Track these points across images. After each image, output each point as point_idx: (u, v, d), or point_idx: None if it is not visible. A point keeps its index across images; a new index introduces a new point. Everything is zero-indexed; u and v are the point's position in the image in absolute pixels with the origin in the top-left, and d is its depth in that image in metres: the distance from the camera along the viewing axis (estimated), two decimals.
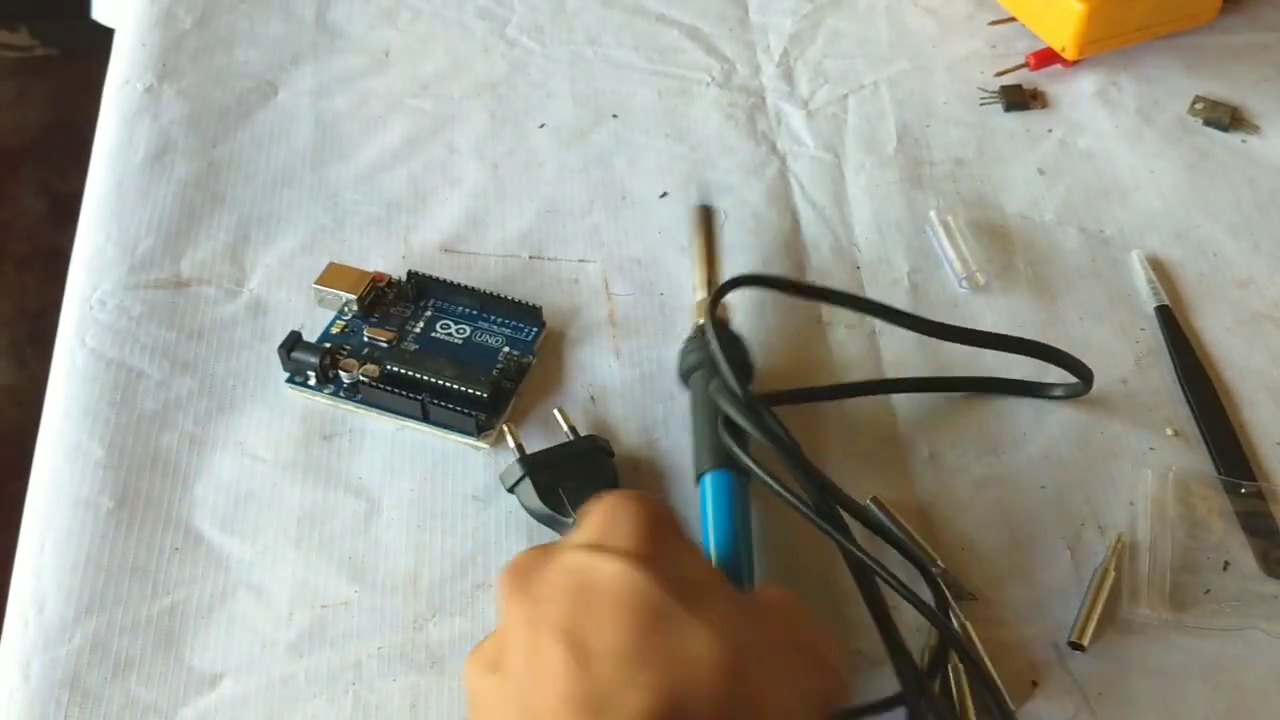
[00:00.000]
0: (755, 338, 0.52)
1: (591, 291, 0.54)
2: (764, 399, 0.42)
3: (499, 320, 0.52)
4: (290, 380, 0.50)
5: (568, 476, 0.44)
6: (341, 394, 0.50)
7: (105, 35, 0.70)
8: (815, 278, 0.55)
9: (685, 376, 0.47)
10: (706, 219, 0.51)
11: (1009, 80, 0.63)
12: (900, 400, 0.50)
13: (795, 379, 0.51)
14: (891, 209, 0.58)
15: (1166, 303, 0.53)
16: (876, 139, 0.61)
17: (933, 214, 0.57)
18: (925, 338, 0.52)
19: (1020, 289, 0.54)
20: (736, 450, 0.42)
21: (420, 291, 0.53)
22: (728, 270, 0.53)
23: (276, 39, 0.66)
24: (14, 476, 0.51)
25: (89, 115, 0.63)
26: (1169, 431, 0.49)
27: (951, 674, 0.41)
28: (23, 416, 0.55)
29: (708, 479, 0.43)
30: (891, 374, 0.51)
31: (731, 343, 0.46)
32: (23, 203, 1.33)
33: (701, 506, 0.42)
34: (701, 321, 0.46)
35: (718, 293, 0.45)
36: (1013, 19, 0.66)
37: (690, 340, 0.47)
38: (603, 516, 0.34)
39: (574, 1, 0.68)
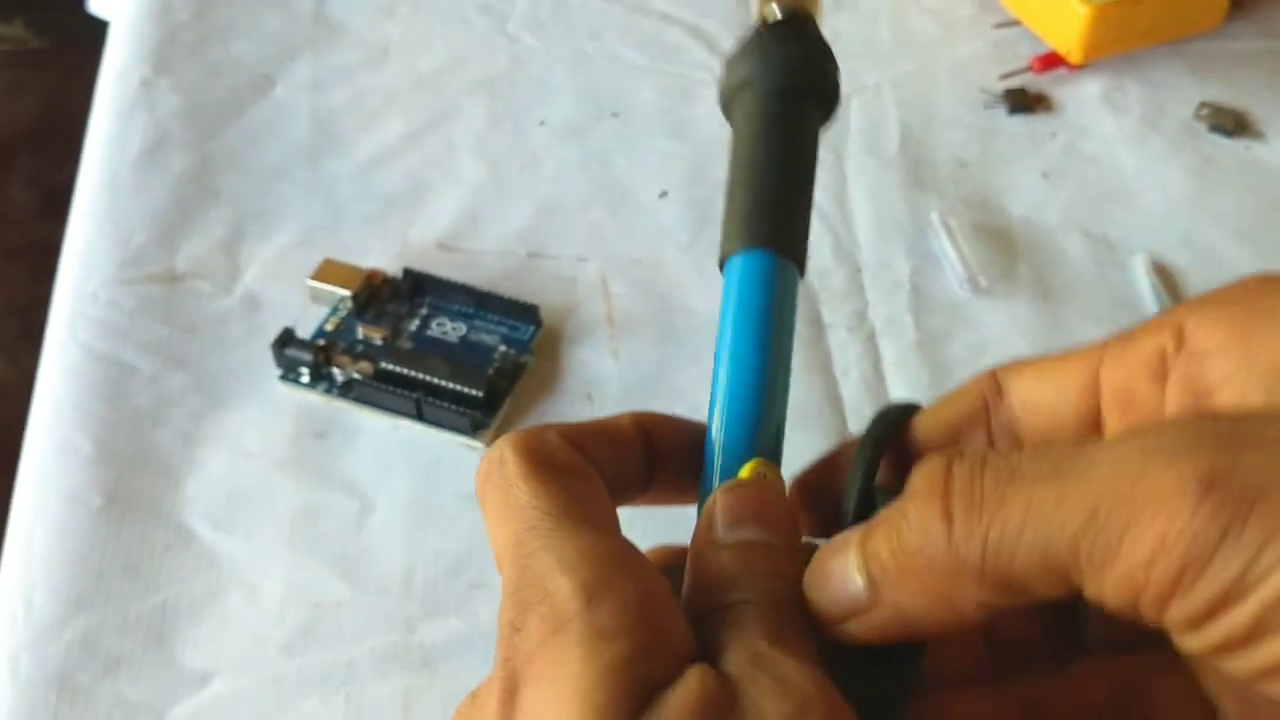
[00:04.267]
0: None
1: (590, 290, 0.53)
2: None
3: (495, 319, 0.51)
4: (284, 377, 0.50)
5: None
6: (335, 391, 0.49)
7: (100, 27, 0.70)
8: (815, 280, 0.54)
9: (728, 102, 0.29)
10: None
11: (1013, 83, 0.63)
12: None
13: (794, 379, 0.50)
14: (893, 211, 0.57)
15: (1169, 308, 0.53)
16: (879, 140, 0.61)
17: (935, 216, 0.56)
18: (926, 341, 0.51)
19: (1023, 293, 0.54)
20: None
21: (416, 289, 0.52)
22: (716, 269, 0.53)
23: (273, 32, 0.65)
24: (3, 472, 0.50)
25: (83, 108, 0.63)
26: None
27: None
28: (12, 411, 0.55)
29: (738, 264, 0.26)
30: (892, 378, 0.51)
31: None
32: (14, 195, 1.32)
33: (722, 311, 0.26)
34: (763, 18, 0.28)
35: None
36: (1017, 22, 0.65)
37: (747, 46, 0.29)
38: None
39: None
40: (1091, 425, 0.23)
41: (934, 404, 0.25)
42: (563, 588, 0.19)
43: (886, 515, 0.20)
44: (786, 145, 0.26)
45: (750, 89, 0.27)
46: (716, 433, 0.24)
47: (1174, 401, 0.21)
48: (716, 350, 0.25)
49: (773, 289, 0.25)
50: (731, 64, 0.28)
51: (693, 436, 0.25)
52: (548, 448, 0.22)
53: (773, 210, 0.25)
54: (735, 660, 0.19)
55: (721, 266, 0.26)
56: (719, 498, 0.23)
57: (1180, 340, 0.21)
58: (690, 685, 0.18)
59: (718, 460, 0.24)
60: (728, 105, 0.28)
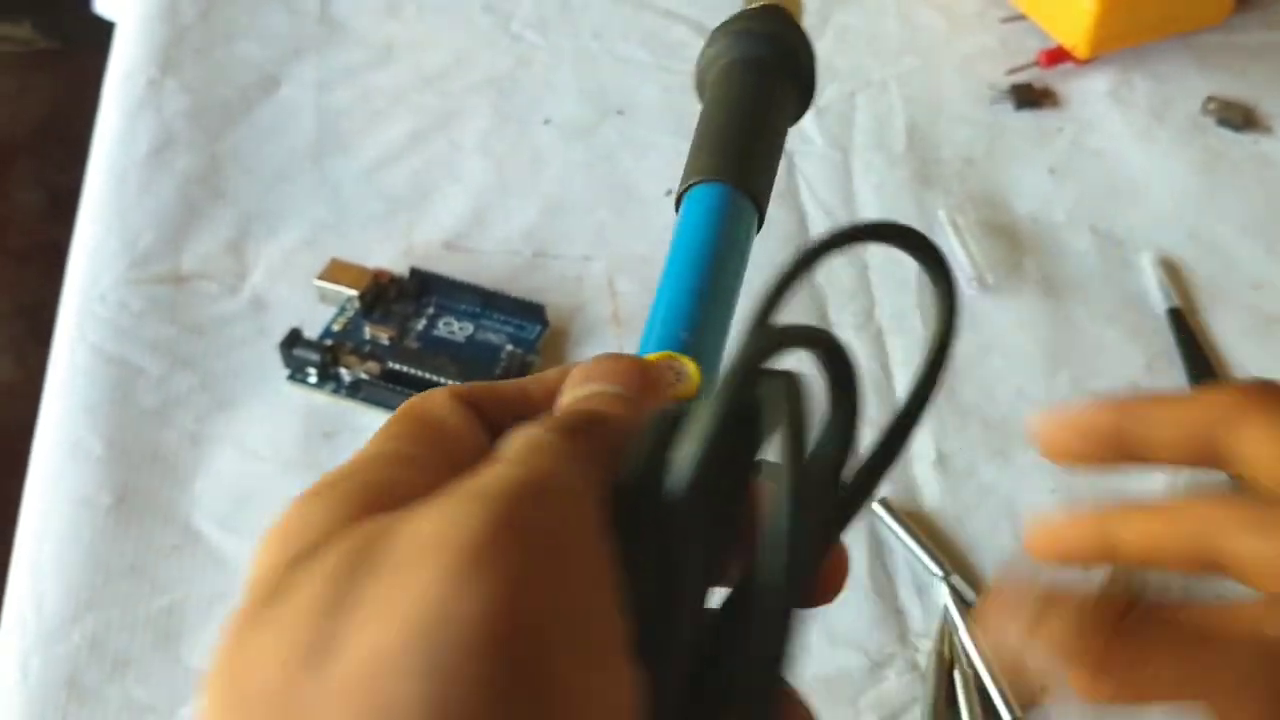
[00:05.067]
0: None
1: (596, 290, 0.53)
2: None
3: (502, 318, 0.51)
4: (291, 377, 0.50)
5: None
6: (343, 391, 0.49)
7: (107, 29, 0.70)
8: (821, 276, 0.54)
9: (702, 79, 0.29)
10: None
11: (1020, 78, 0.62)
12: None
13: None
14: (900, 208, 0.57)
15: (1178, 305, 0.53)
16: (885, 137, 0.60)
17: (941, 213, 0.56)
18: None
19: (1029, 290, 0.54)
20: None
21: (423, 288, 0.52)
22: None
23: (279, 32, 0.65)
24: (12, 473, 0.50)
25: (90, 109, 0.63)
26: None
27: (959, 679, 0.40)
28: (21, 413, 0.55)
29: (689, 197, 0.27)
30: (899, 374, 0.50)
31: None
32: (22, 197, 1.32)
33: (675, 240, 0.26)
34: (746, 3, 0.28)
35: None
36: (1023, 16, 0.65)
37: (724, 25, 0.30)
38: None
39: None
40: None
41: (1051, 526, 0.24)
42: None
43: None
44: (752, 98, 0.27)
45: (723, 60, 0.28)
46: (651, 328, 0.24)
47: None
48: (669, 261, 0.26)
49: (717, 211, 0.26)
50: (708, 43, 0.29)
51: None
52: (429, 399, 0.21)
53: (725, 150, 0.26)
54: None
55: (678, 208, 0.26)
56: (580, 365, 0.21)
57: None
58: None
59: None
60: (701, 81, 0.29)
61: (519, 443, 0.18)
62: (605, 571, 0.16)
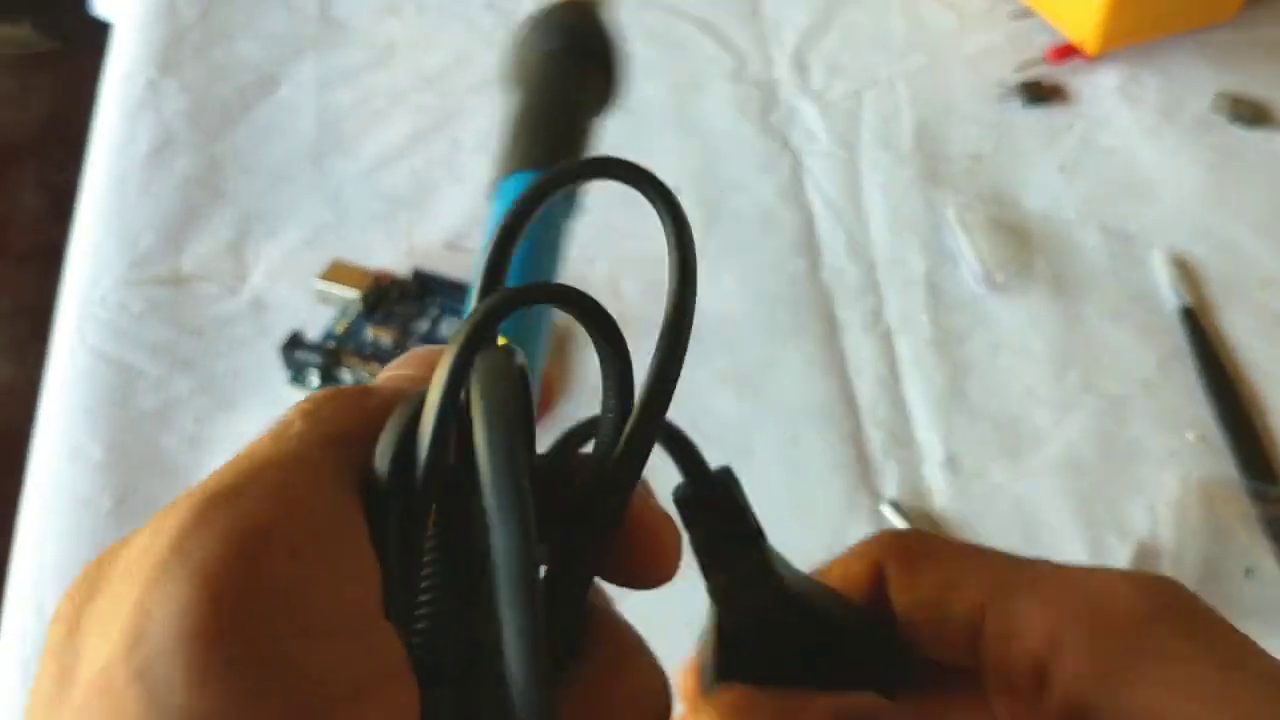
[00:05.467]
0: (763, 338, 0.51)
1: (599, 291, 0.53)
2: None
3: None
4: (293, 380, 0.49)
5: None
6: None
7: (106, 29, 0.69)
8: (828, 276, 0.54)
9: (506, 74, 0.29)
10: None
11: (1028, 75, 0.62)
12: (917, 402, 0.49)
13: (808, 379, 0.50)
14: (908, 206, 0.56)
15: (1189, 303, 0.52)
16: (892, 135, 0.60)
17: (950, 212, 0.56)
18: (942, 339, 0.50)
19: (1040, 288, 0.53)
20: None
21: (425, 289, 0.52)
22: (727, 268, 0.53)
23: (279, 32, 0.65)
24: (12, 475, 0.50)
25: (90, 110, 0.62)
26: (1191, 436, 0.48)
27: None
28: (21, 415, 0.54)
29: (499, 192, 0.27)
30: (908, 377, 0.50)
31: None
32: (23, 198, 1.32)
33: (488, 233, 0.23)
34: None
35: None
36: (1032, 13, 0.64)
37: (525, 23, 0.29)
38: None
39: None
40: (958, 653, 0.21)
41: (835, 562, 0.23)
42: None
43: None
44: (550, 88, 0.27)
45: (522, 55, 0.29)
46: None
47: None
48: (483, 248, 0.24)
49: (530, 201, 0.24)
50: (512, 42, 0.29)
51: None
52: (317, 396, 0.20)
53: (530, 139, 0.27)
54: None
55: (492, 190, 0.27)
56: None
57: (1054, 650, 0.19)
58: None
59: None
60: (505, 79, 0.29)
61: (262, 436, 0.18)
62: (334, 540, 0.16)
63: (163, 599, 0.15)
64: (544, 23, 0.29)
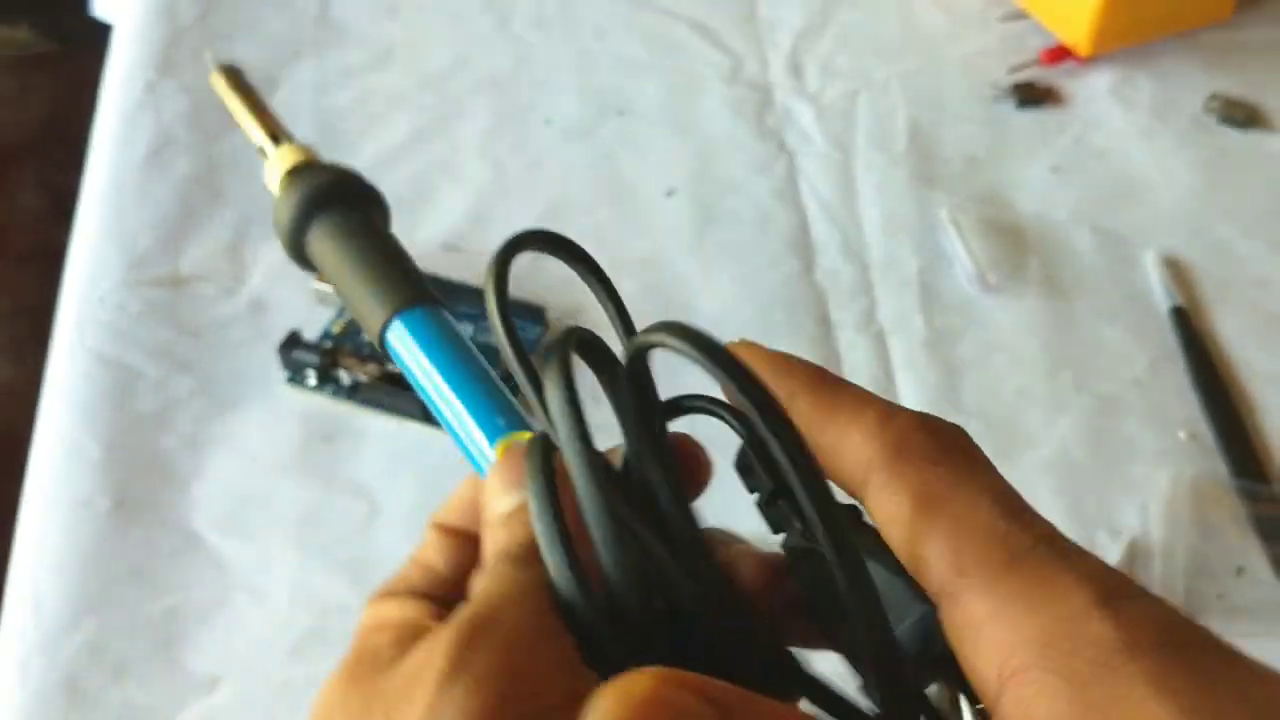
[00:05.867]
0: (758, 338, 0.52)
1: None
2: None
3: None
4: (290, 380, 0.49)
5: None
6: (342, 394, 0.49)
7: (106, 31, 0.69)
8: (823, 277, 0.54)
9: (298, 251, 0.30)
10: (234, 80, 0.35)
11: (1022, 77, 0.62)
12: (910, 401, 0.49)
13: None
14: (902, 207, 0.57)
15: (1181, 304, 0.52)
16: (887, 136, 0.60)
17: (944, 213, 0.56)
18: (935, 340, 0.51)
19: (1032, 289, 0.53)
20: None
21: None
22: (723, 268, 0.53)
23: (277, 33, 0.65)
24: (11, 476, 0.50)
25: (90, 111, 0.63)
26: (1183, 434, 0.48)
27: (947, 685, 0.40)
28: (21, 415, 0.55)
29: (400, 326, 0.28)
30: (902, 377, 0.50)
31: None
32: (22, 199, 1.32)
33: (412, 377, 0.27)
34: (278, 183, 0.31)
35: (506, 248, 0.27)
36: (1026, 15, 0.65)
37: (279, 206, 0.31)
38: None
39: None
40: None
41: (832, 417, 0.23)
42: None
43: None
44: (349, 242, 0.29)
45: (306, 236, 0.30)
46: (469, 441, 0.26)
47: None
48: (428, 401, 0.27)
49: (417, 334, 0.28)
50: (279, 224, 0.30)
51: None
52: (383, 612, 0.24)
53: (373, 288, 0.28)
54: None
55: (381, 343, 0.28)
56: (489, 475, 0.24)
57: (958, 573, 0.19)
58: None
59: (482, 462, 0.26)
60: (300, 257, 0.30)
61: (481, 580, 0.21)
62: (554, 661, 0.20)
63: (445, 711, 0.18)
64: (291, 201, 0.30)
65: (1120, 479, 0.47)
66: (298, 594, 0.44)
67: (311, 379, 0.49)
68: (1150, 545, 0.45)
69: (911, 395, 0.50)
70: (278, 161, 0.31)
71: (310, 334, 0.50)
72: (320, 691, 0.22)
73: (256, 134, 0.32)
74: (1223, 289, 0.54)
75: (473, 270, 0.54)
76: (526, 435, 0.25)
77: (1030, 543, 0.19)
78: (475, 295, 0.52)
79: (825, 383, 0.22)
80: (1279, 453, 0.48)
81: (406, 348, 0.28)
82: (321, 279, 0.31)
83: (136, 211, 0.56)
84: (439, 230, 0.56)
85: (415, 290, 0.28)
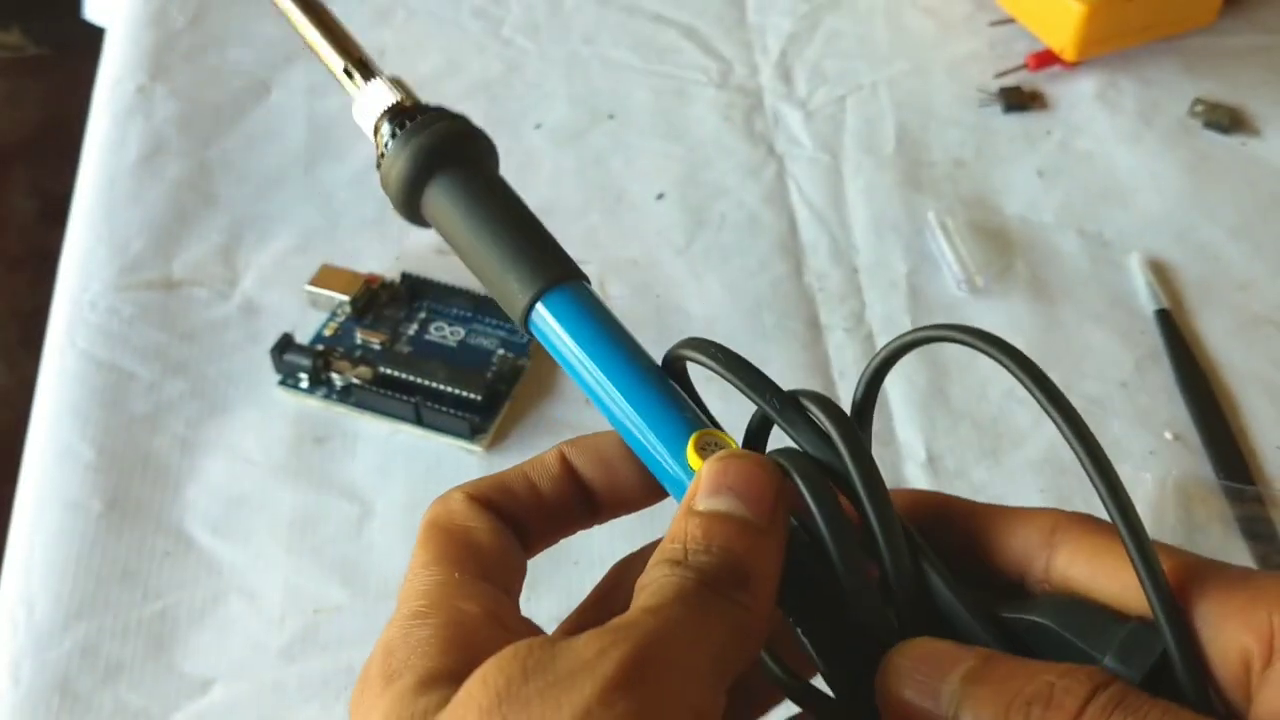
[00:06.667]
0: (748, 341, 0.52)
1: None
2: None
3: (493, 322, 0.52)
4: (282, 383, 0.50)
5: None
6: (334, 397, 0.49)
7: (98, 34, 0.70)
8: (813, 279, 0.54)
9: (416, 185, 0.27)
10: None
11: (1008, 81, 0.63)
12: (898, 401, 0.50)
13: (792, 380, 0.50)
14: (890, 210, 0.57)
15: (1166, 306, 0.53)
16: (875, 140, 0.61)
17: (931, 216, 0.56)
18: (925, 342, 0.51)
19: (1019, 291, 0.54)
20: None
21: (414, 293, 0.53)
22: (712, 271, 0.53)
23: (269, 38, 0.65)
24: (4, 479, 0.50)
25: (82, 115, 0.63)
26: (1168, 435, 0.49)
27: None
28: (13, 419, 0.55)
29: (539, 312, 0.25)
30: (890, 378, 0.51)
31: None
32: (14, 203, 1.32)
33: (559, 356, 0.26)
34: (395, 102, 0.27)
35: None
36: (1012, 20, 0.65)
37: (420, 123, 0.27)
38: None
39: (570, 1, 0.68)
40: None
41: (1001, 510, 0.24)
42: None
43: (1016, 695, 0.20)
44: (484, 203, 0.26)
45: (418, 185, 0.26)
46: (643, 436, 0.24)
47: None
48: (584, 385, 0.25)
49: (584, 307, 0.25)
50: (389, 180, 0.27)
51: (623, 448, 0.25)
52: (449, 507, 0.24)
53: (530, 252, 0.26)
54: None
55: (526, 325, 0.26)
56: (707, 465, 0.23)
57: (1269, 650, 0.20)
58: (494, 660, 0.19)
59: (664, 462, 0.24)
60: (410, 212, 0.27)
61: (662, 585, 0.21)
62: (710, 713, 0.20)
63: (607, 713, 0.18)
64: (416, 161, 0.26)
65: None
66: (290, 596, 0.44)
67: (304, 382, 0.49)
68: None
69: (900, 397, 0.50)
70: (374, 99, 0.27)
71: (302, 337, 0.50)
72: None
73: (337, 62, 0.29)
74: (1207, 291, 0.54)
75: (464, 273, 0.54)
76: (720, 435, 0.24)
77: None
78: (466, 297, 0.52)
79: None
80: (1264, 453, 0.48)
81: (555, 330, 0.25)
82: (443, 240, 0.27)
83: (128, 215, 0.57)
84: (431, 233, 0.56)
85: (561, 266, 0.25)
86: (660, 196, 0.58)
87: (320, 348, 0.50)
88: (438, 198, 0.26)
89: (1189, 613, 0.21)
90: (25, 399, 0.50)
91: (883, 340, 0.52)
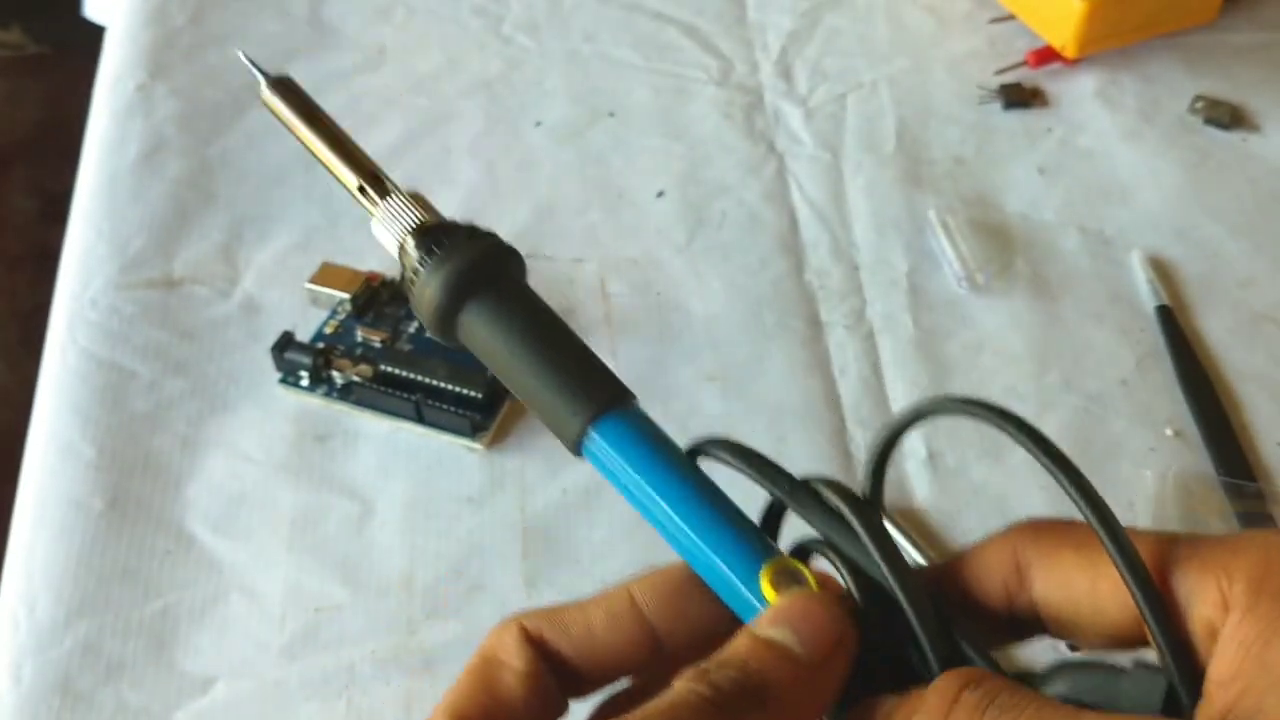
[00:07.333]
0: (748, 338, 0.52)
1: (587, 291, 0.54)
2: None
3: None
4: (283, 381, 0.50)
5: None
6: (335, 395, 0.49)
7: (98, 33, 0.70)
8: (813, 278, 0.54)
9: (451, 311, 0.26)
10: (293, 98, 0.29)
11: (1009, 79, 0.63)
12: (899, 400, 0.50)
13: (793, 378, 0.50)
14: (890, 208, 0.57)
15: (1167, 303, 0.53)
16: (875, 138, 0.61)
17: (932, 213, 0.56)
18: (924, 339, 0.51)
19: (1020, 289, 0.54)
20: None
21: None
22: (713, 269, 0.53)
23: (270, 36, 0.65)
24: (4, 478, 0.50)
25: (82, 113, 0.63)
26: (1169, 432, 0.49)
27: None
28: (14, 418, 0.55)
29: (595, 439, 0.24)
30: (891, 376, 0.51)
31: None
32: (14, 201, 1.32)
33: (616, 481, 0.25)
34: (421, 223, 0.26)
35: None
36: (1012, 17, 0.65)
37: (449, 249, 0.26)
38: None
39: None
40: (1121, 641, 0.22)
41: (964, 557, 0.24)
42: None
43: (901, 711, 0.21)
44: (524, 326, 0.25)
45: (452, 311, 0.25)
46: (714, 568, 0.24)
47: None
48: (646, 514, 0.24)
49: (639, 431, 0.25)
50: (422, 305, 0.26)
51: (690, 586, 0.25)
52: (502, 639, 0.24)
53: (577, 376, 0.25)
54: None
55: (577, 451, 0.25)
56: (782, 598, 0.23)
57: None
58: None
59: (736, 592, 0.24)
60: (447, 335, 0.26)
61: (677, 690, 0.21)
62: None
63: None
64: (449, 287, 0.25)
65: (1108, 476, 0.47)
66: (291, 594, 0.44)
67: (304, 380, 0.49)
68: None
69: (901, 394, 0.50)
70: (395, 218, 0.26)
71: (303, 335, 0.50)
72: None
73: (348, 176, 0.27)
74: (1208, 288, 0.54)
75: None
76: (791, 563, 0.23)
77: None
78: None
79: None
80: (1264, 450, 0.48)
81: (611, 457, 0.24)
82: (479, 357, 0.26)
83: (129, 213, 0.57)
84: None
85: (610, 389, 0.25)
86: (660, 194, 0.58)
87: (321, 346, 0.50)
88: (474, 323, 0.25)
89: (1173, 604, 0.20)
90: (26, 398, 0.50)
91: (884, 338, 0.52)
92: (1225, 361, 0.51)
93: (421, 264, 0.25)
